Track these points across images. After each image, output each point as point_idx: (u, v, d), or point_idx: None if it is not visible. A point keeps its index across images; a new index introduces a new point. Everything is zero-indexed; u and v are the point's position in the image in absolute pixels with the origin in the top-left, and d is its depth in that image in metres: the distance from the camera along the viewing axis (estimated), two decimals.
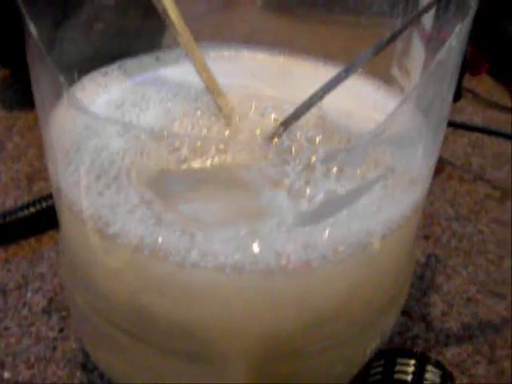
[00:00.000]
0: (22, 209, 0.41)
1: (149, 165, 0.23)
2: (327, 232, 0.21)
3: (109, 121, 0.23)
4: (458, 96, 0.46)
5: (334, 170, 0.21)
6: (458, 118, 0.56)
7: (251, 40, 0.33)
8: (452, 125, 0.52)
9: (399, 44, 0.29)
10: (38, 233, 0.41)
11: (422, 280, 0.40)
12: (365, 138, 0.20)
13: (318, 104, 0.24)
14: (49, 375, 0.33)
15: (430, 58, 0.27)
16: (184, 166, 0.24)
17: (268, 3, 0.34)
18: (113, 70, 0.30)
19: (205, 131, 0.26)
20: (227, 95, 0.27)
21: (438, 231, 0.44)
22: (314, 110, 0.25)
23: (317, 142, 0.25)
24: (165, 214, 0.21)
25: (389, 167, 0.24)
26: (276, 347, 0.24)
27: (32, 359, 0.34)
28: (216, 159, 0.25)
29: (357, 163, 0.22)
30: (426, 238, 0.43)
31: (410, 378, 0.30)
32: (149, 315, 0.23)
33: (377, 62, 0.27)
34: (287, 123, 0.25)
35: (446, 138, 0.53)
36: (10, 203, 0.44)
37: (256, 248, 0.20)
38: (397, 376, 0.30)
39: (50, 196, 0.42)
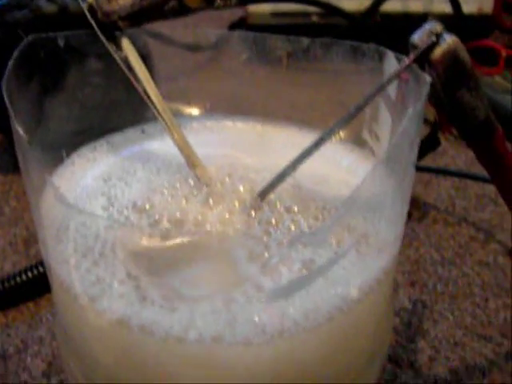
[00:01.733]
0: (20, 274, 0.42)
1: (133, 239, 0.24)
2: (301, 301, 0.22)
3: (84, 213, 0.24)
4: (435, 145, 0.47)
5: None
6: (441, 161, 0.58)
7: (232, 103, 0.35)
8: (435, 170, 0.54)
9: (367, 110, 0.30)
10: (36, 297, 0.43)
11: (409, 327, 0.41)
12: (339, 209, 0.22)
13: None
14: None
15: (396, 122, 0.29)
16: (165, 239, 0.25)
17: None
18: (101, 144, 0.32)
19: (184, 202, 0.27)
20: (206, 166, 0.29)
21: (424, 277, 0.46)
22: (289, 178, 0.27)
23: (295, 211, 0.26)
24: (149, 290, 0.23)
25: (362, 233, 0.25)
26: None
27: None
28: (195, 230, 0.26)
29: (331, 234, 0.23)
30: (413, 284, 0.45)
31: None
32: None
33: (348, 126, 0.28)
34: (264, 193, 0.27)
35: (429, 182, 0.55)
36: (8, 268, 0.46)
37: (233, 319, 0.22)
38: None
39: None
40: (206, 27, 0.35)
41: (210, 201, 0.27)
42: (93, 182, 0.30)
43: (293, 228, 0.25)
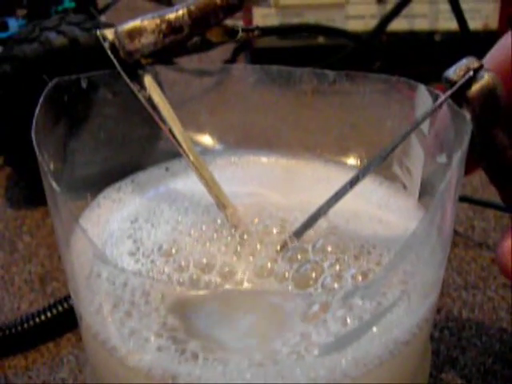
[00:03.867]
0: (39, 314, 0.41)
1: (168, 290, 0.24)
2: (352, 351, 0.22)
3: (109, 264, 0.24)
4: None
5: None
6: None
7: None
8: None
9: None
10: (56, 336, 0.42)
11: (438, 356, 0.40)
12: (393, 259, 0.21)
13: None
14: None
15: (428, 157, 0.29)
16: (196, 287, 0.24)
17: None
18: (126, 184, 0.31)
19: (212, 246, 0.27)
20: (235, 206, 0.28)
21: (449, 302, 0.45)
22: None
23: (335, 251, 0.26)
24: (188, 343, 0.22)
25: (410, 278, 0.24)
26: None
27: None
28: (225, 278, 0.26)
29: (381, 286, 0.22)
30: (438, 311, 0.44)
31: None
32: None
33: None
34: (299, 234, 0.26)
35: None
36: (24, 307, 0.45)
37: (281, 374, 0.21)
38: None
39: (65, 298, 0.42)
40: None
41: (240, 245, 0.26)
42: (119, 224, 0.29)
43: (338, 269, 0.24)
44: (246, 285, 0.25)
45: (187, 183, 0.31)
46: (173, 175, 0.32)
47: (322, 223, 0.27)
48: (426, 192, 0.30)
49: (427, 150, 0.28)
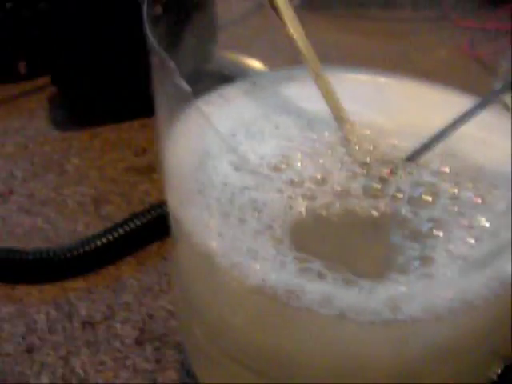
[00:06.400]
0: (99, 236, 0.40)
1: (280, 207, 0.23)
2: (482, 277, 0.20)
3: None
4: None
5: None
6: None
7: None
8: None
9: (503, 63, 0.28)
10: (116, 260, 0.41)
11: None
12: None
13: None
14: None
15: None
16: (312, 203, 0.23)
17: None
18: (214, 97, 0.29)
19: (327, 163, 0.25)
20: (353, 122, 0.26)
21: None
22: None
23: (449, 173, 0.24)
24: (309, 261, 0.21)
25: None
26: None
27: None
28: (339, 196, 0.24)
29: None
30: None
31: None
32: (279, 360, 0.23)
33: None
34: (413, 158, 0.25)
35: None
36: (80, 229, 0.44)
37: (407, 302, 0.20)
38: None
39: (125, 222, 0.41)
40: None
41: (356, 163, 0.25)
42: (216, 139, 0.28)
43: (456, 192, 0.23)
44: (358, 206, 0.23)
45: (279, 98, 0.29)
46: (262, 89, 0.30)
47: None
48: None
49: None
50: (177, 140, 0.26)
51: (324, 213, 0.23)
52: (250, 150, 0.26)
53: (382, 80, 0.31)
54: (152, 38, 0.21)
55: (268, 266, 0.21)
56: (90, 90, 0.53)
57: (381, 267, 0.21)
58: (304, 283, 0.20)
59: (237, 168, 0.25)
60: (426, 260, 0.21)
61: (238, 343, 0.24)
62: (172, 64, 0.20)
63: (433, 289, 0.20)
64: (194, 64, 0.31)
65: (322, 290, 0.20)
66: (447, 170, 0.25)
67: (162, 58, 0.21)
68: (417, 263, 0.21)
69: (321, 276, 0.20)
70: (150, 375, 0.35)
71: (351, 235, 0.23)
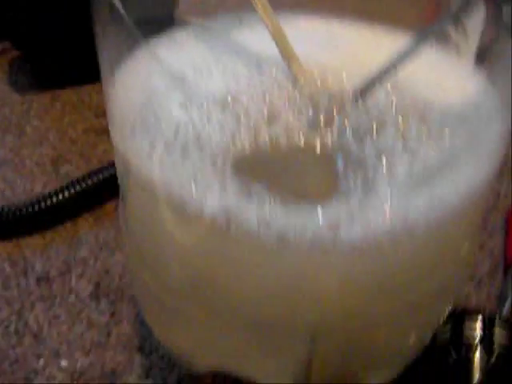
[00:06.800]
0: (56, 194, 0.40)
1: (224, 141, 0.22)
2: (423, 198, 0.20)
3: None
4: None
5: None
6: None
7: None
8: None
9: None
10: (72, 217, 0.41)
11: None
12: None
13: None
14: (107, 361, 0.33)
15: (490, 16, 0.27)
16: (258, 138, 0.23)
17: None
18: (163, 41, 0.29)
19: (274, 99, 0.25)
20: (301, 62, 0.26)
21: None
22: None
23: (393, 110, 0.24)
24: (249, 186, 0.21)
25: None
26: (352, 318, 0.23)
27: (88, 346, 0.33)
28: (285, 131, 0.24)
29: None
30: None
31: (478, 336, 0.29)
32: (223, 290, 0.23)
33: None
34: (362, 93, 0.24)
35: None
36: (38, 189, 0.43)
37: (346, 223, 0.20)
38: (465, 335, 0.30)
39: (82, 179, 0.41)
40: None
41: (303, 100, 0.24)
42: (164, 78, 0.27)
43: (402, 126, 0.23)
44: (303, 140, 0.23)
45: (230, 42, 0.29)
46: (213, 33, 0.30)
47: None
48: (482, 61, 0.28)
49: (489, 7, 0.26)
50: (124, 80, 0.26)
51: (268, 147, 0.23)
52: (198, 87, 0.25)
53: (332, 22, 0.31)
54: None
55: (208, 193, 0.21)
56: (51, 53, 0.52)
57: (323, 195, 0.21)
58: (244, 207, 0.20)
59: (183, 105, 0.25)
60: (367, 186, 0.21)
61: (182, 276, 0.24)
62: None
63: (373, 211, 0.20)
64: (144, 9, 0.30)
65: (261, 214, 0.20)
66: (394, 104, 0.24)
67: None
68: (359, 189, 0.21)
69: (261, 200, 0.20)
70: (105, 328, 0.34)
71: (295, 167, 0.23)
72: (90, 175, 0.41)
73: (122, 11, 0.22)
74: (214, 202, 0.20)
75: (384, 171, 0.21)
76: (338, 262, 0.21)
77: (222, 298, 0.23)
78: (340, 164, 0.22)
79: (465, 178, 0.21)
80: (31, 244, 0.39)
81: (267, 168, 0.23)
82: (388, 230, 0.20)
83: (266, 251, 0.20)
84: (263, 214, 0.20)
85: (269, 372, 0.28)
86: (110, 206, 0.41)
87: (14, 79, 0.54)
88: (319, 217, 0.20)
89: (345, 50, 0.29)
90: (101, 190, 0.41)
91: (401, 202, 0.20)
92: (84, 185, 0.40)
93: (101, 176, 0.41)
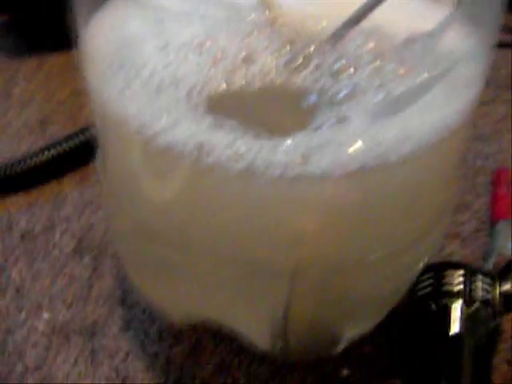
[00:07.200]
0: (40, 153, 0.40)
1: (200, 81, 0.22)
2: (394, 130, 0.20)
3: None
4: None
5: None
6: None
7: None
8: None
9: None
10: (58, 176, 0.40)
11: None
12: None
13: None
14: (88, 314, 0.33)
15: None
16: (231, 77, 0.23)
17: None
18: None
19: (249, 40, 0.25)
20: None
21: None
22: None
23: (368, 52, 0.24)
24: (222, 120, 0.21)
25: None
26: (332, 258, 0.23)
27: (69, 299, 0.33)
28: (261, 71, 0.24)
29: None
30: None
31: (459, 288, 0.29)
32: (199, 226, 0.23)
33: None
34: (337, 36, 0.24)
35: None
36: (24, 149, 0.43)
37: (317, 154, 0.20)
38: (446, 287, 0.29)
39: (67, 139, 0.41)
40: None
41: (279, 40, 0.24)
42: (141, 24, 0.27)
43: (377, 64, 0.23)
44: (279, 79, 0.23)
45: None
46: None
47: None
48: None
49: None
50: (102, 21, 0.25)
51: (244, 86, 0.23)
52: (176, 31, 0.25)
53: None
54: None
55: (180, 125, 0.20)
56: (39, 16, 0.51)
57: (296, 128, 0.21)
58: (215, 139, 0.20)
59: (161, 48, 0.25)
60: (340, 119, 0.20)
61: (158, 217, 0.24)
62: None
63: (344, 143, 0.20)
64: None
65: (231, 144, 0.20)
66: (372, 45, 0.24)
67: None
68: (331, 124, 0.20)
69: (232, 131, 0.20)
70: (87, 282, 0.34)
71: (269, 104, 0.22)
72: (75, 134, 0.41)
73: None
74: (185, 132, 0.20)
75: (356, 106, 0.21)
76: (309, 192, 0.20)
77: (198, 235, 0.23)
78: (314, 100, 0.22)
79: (437, 111, 0.21)
80: (16, 201, 0.39)
81: (241, 106, 0.23)
82: (359, 160, 0.20)
83: (237, 183, 0.20)
84: (235, 145, 0.20)
85: (248, 321, 0.28)
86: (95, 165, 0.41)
87: (2, 43, 0.54)
88: (289, 148, 0.20)
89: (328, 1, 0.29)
90: (87, 150, 0.41)
91: (372, 133, 0.20)
92: (70, 143, 0.40)
93: (87, 135, 0.40)
